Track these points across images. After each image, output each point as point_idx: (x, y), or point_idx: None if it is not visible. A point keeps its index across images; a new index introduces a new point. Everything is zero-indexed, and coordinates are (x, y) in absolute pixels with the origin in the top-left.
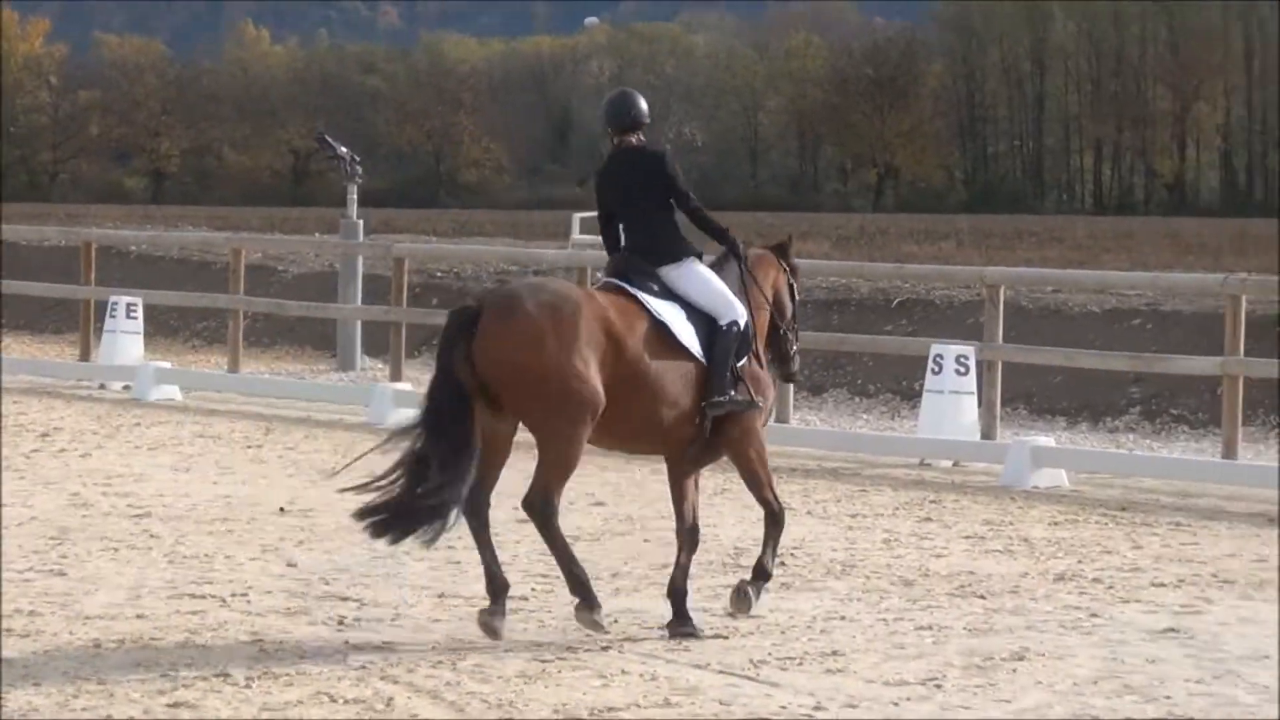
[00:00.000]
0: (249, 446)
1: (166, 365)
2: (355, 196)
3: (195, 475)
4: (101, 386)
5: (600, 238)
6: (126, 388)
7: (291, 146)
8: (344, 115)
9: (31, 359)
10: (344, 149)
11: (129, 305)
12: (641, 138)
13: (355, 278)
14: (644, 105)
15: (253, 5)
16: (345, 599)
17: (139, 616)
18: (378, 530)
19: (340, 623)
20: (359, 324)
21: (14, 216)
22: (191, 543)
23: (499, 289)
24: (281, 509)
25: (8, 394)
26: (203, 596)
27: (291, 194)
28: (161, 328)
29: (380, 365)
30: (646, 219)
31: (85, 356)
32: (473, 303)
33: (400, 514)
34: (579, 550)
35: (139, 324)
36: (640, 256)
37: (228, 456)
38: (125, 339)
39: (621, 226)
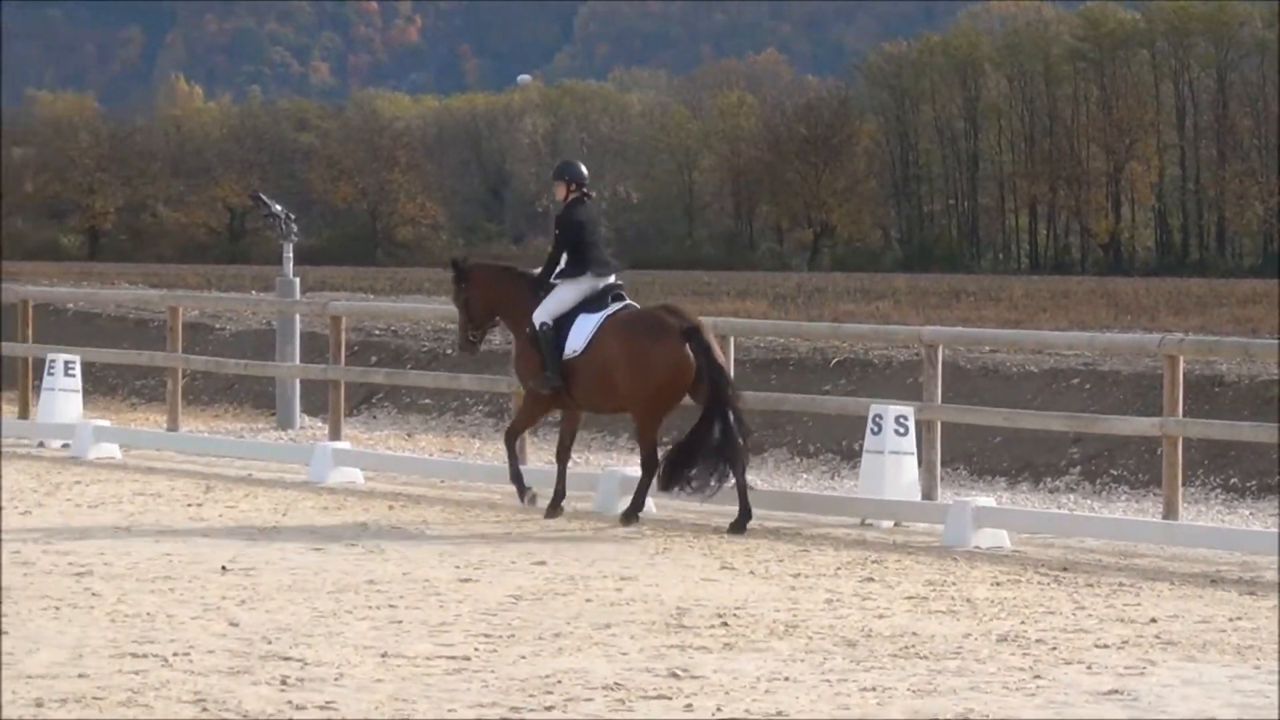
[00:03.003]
0: (189, 505)
1: (105, 423)
2: (291, 254)
3: (136, 533)
4: (40, 445)
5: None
6: (65, 446)
7: (227, 204)
8: (278, 172)
9: None
10: (279, 207)
11: (67, 363)
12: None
13: (293, 336)
14: None
15: (185, 60)
16: (288, 658)
17: (81, 676)
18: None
19: (283, 682)
20: (297, 382)
21: None
22: (133, 601)
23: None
24: (223, 567)
25: None
26: (145, 656)
27: (227, 251)
28: (100, 385)
29: (319, 423)
30: (604, 248)
31: (24, 414)
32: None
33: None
34: (521, 610)
35: (77, 381)
36: (614, 275)
37: (168, 515)
38: (64, 397)
39: (590, 251)
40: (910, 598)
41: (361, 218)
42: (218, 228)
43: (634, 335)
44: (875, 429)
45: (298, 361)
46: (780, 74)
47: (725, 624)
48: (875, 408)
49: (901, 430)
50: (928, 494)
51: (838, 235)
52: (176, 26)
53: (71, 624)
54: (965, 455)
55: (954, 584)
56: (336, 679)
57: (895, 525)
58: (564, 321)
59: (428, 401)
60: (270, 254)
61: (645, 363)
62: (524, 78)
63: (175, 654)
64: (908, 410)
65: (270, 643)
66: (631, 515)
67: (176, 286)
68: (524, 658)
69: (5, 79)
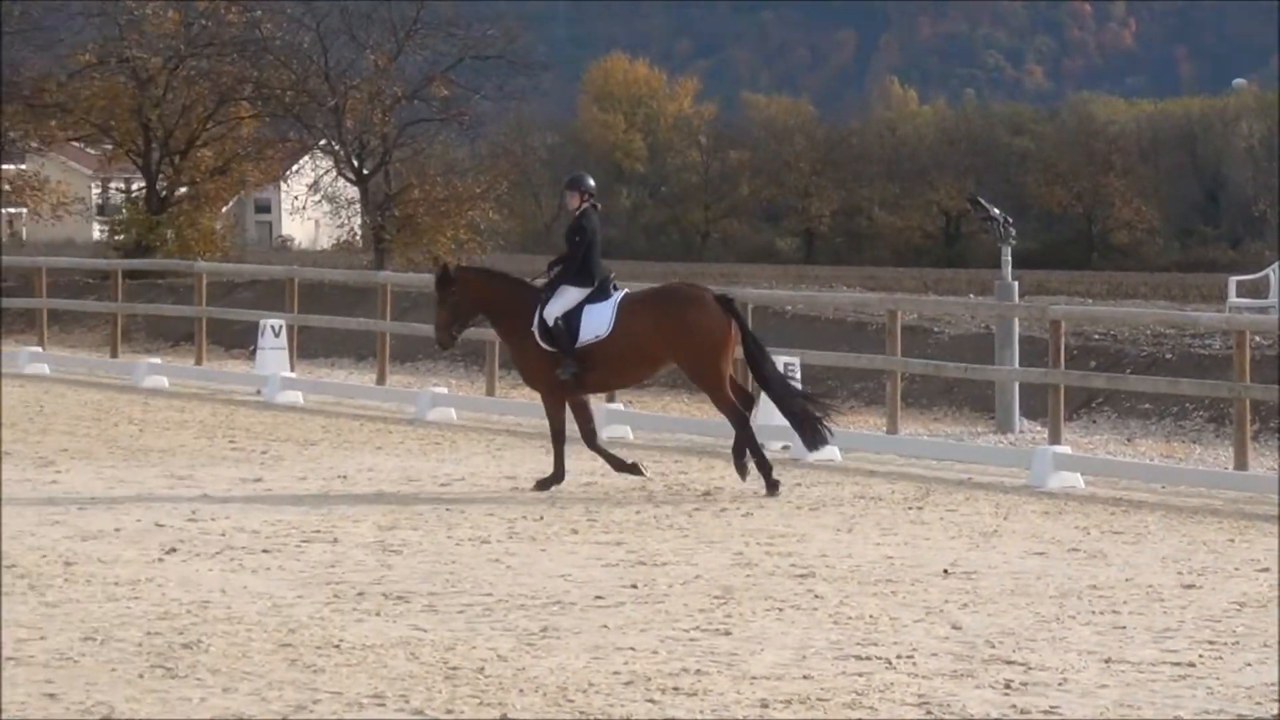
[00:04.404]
0: (909, 508)
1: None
2: (1009, 258)
3: (857, 536)
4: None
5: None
6: (785, 448)
7: (942, 207)
8: (993, 176)
9: (688, 418)
10: (997, 210)
11: (786, 364)
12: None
13: (1012, 339)
14: None
15: (899, 63)
16: (1011, 662)
17: (805, 677)
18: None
19: (1007, 687)
20: (1017, 386)
21: (669, 276)
22: (855, 603)
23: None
24: (945, 571)
25: (668, 453)
26: (868, 658)
27: (943, 255)
28: (818, 388)
29: (1039, 427)
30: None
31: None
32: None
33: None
34: (1246, 616)
35: (797, 384)
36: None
37: (888, 517)
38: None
39: (595, 257)
40: None
41: (1076, 222)
42: (933, 231)
43: (670, 306)
44: None
45: (1016, 365)
46: None
47: None
48: None
49: None
50: None
51: None
52: (890, 29)
53: (794, 625)
54: None
55: None
56: (1060, 684)
57: None
58: (571, 316)
59: (1147, 406)
60: (986, 258)
61: (691, 329)
62: (1239, 82)
63: (898, 656)
64: None
65: (993, 647)
66: (750, 468)
67: (893, 289)
68: (1249, 665)
69: (720, 82)
